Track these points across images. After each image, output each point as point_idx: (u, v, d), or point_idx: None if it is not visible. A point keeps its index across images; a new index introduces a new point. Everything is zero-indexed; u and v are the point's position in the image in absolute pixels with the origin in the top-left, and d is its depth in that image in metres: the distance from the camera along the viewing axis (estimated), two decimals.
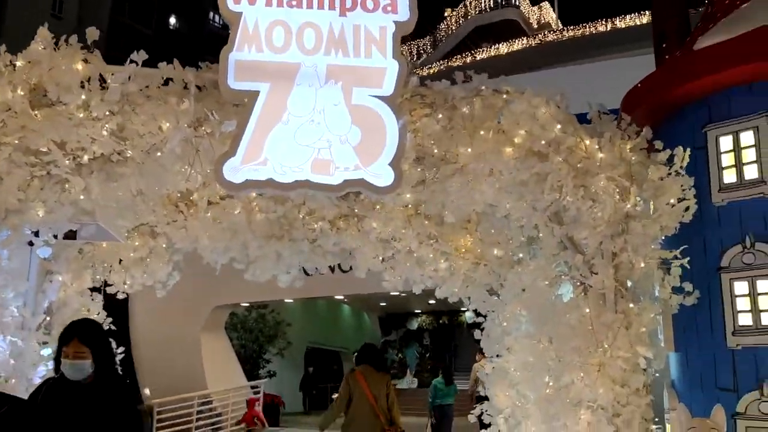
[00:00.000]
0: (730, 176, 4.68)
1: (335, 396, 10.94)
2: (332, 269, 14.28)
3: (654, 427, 4.54)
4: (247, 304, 18.11)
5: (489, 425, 5.95)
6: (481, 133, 4.51)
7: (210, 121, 4.15)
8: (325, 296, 19.84)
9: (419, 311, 26.51)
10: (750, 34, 4.49)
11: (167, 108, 3.99)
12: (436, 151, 4.57)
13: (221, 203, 5.57)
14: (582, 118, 4.78)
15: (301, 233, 5.96)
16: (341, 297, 21.47)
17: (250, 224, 5.54)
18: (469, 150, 4.52)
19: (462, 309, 23.76)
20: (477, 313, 6.23)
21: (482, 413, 6.05)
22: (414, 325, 27.10)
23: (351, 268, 6.66)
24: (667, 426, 4.72)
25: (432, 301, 23.36)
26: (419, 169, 4.72)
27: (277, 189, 4.06)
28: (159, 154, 4.20)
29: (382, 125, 4.11)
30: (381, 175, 4.15)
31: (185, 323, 14.45)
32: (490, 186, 5.01)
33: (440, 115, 4.46)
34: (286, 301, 19.12)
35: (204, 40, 36.53)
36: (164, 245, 5.90)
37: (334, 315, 25.07)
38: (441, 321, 25.85)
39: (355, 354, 8.25)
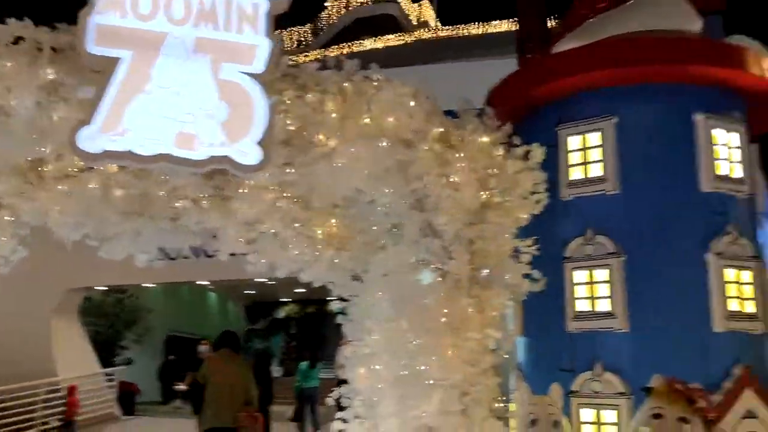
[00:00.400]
0: (577, 173, 5.05)
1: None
2: (196, 254, 13.93)
3: (500, 405, 4.83)
4: (104, 288, 17.25)
5: (346, 408, 6.06)
6: (351, 118, 4.58)
7: (66, 86, 3.92)
8: (189, 282, 19.27)
9: (287, 300, 26.36)
10: (599, 43, 4.87)
11: (17, 69, 3.73)
12: (305, 133, 4.58)
13: (76, 176, 5.27)
14: (450, 115, 4.97)
15: (162, 211, 5.77)
16: (206, 283, 20.94)
17: (106, 199, 5.28)
18: (338, 134, 4.58)
19: (329, 298, 23.94)
20: (342, 300, 6.33)
21: (341, 396, 6.14)
22: (281, 314, 26.91)
23: (216, 252, 6.54)
24: (512, 405, 5.02)
25: (300, 290, 23.30)
26: (287, 151, 4.71)
27: (136, 161, 3.92)
28: (7, 118, 3.92)
29: (251, 103, 4.07)
30: (247, 154, 4.11)
31: (34, 305, 13.52)
32: (357, 172, 5.09)
33: (310, 98, 4.47)
34: (147, 286, 18.38)
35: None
36: (10, 218, 5.49)
37: (198, 302, 24.40)
38: (308, 310, 25.85)
39: (215, 341, 8.36)
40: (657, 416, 3.41)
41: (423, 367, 4.66)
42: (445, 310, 4.73)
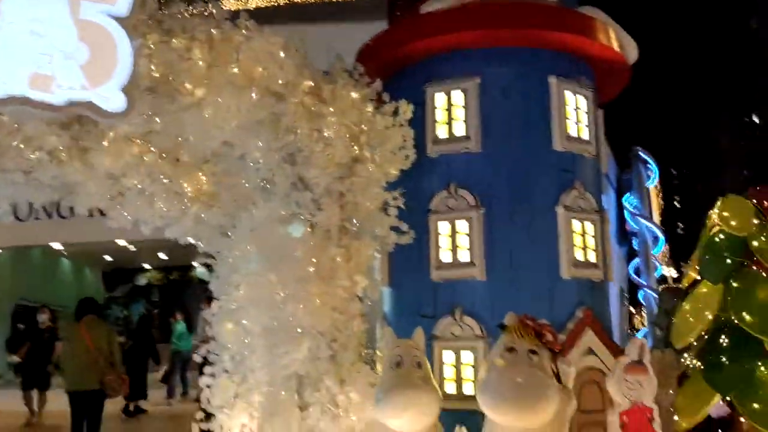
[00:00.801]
0: (442, 131, 5.27)
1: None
2: (49, 214, 13.11)
3: (367, 351, 5.03)
4: None
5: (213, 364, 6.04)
6: (218, 67, 4.51)
7: None
8: (41, 245, 18.08)
9: (148, 266, 25.41)
10: (464, 6, 5.09)
11: None
12: (171, 80, 4.46)
13: None
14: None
15: (14, 163, 5.40)
16: (60, 248, 19.74)
17: None
18: (206, 83, 4.50)
19: (193, 264, 23.39)
20: (209, 257, 6.25)
21: (208, 353, 6.11)
22: (142, 281, 25.95)
23: (72, 211, 6.25)
24: (378, 352, 5.22)
25: (163, 256, 22.53)
26: (152, 99, 4.56)
27: None
28: None
29: (113, 45, 3.90)
30: (110, 99, 3.95)
31: None
32: (226, 124, 5.03)
33: (177, 44, 4.35)
34: None
35: None
36: None
37: (50, 269, 22.92)
38: (171, 277, 25.11)
39: (75, 309, 8.36)
40: (510, 350, 3.70)
41: (292, 317, 4.75)
42: (314, 260, 4.83)
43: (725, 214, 5.12)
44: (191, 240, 6.38)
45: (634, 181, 14.74)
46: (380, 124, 4.99)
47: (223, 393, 5.88)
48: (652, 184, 15.82)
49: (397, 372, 4.34)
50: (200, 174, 6.17)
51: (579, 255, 5.16)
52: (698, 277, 5.32)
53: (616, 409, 3.93)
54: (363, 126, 4.98)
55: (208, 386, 6.00)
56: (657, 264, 15.22)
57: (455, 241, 5.11)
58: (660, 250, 15.14)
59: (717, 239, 5.11)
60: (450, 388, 4.90)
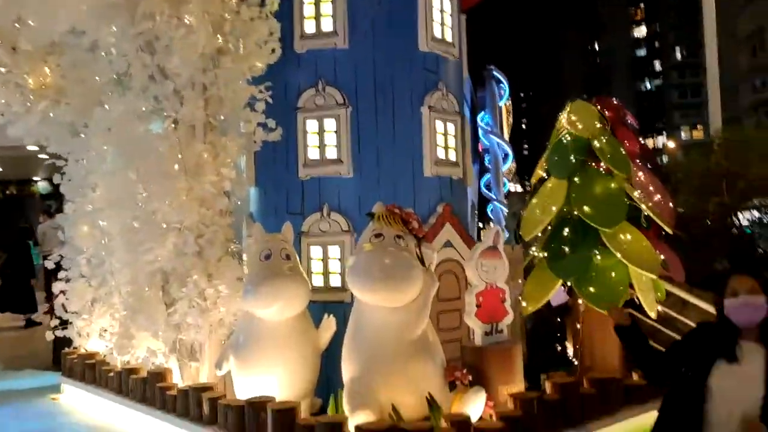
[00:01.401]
0: (310, 26, 5.19)
1: None
2: None
3: (234, 247, 5.03)
4: None
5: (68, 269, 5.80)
6: None
7: None
8: None
9: None
10: None
11: None
12: None
13: None
14: None
15: None
16: None
17: None
18: None
19: (34, 178, 21.67)
20: (59, 158, 5.87)
21: (61, 258, 5.83)
22: None
23: None
24: (245, 255, 5.22)
25: None
26: None
27: None
28: None
29: None
30: None
31: None
32: (74, 6, 4.65)
33: None
34: None
35: None
36: None
37: None
38: (8, 192, 23.15)
39: None
40: (378, 235, 3.85)
41: (155, 214, 4.62)
42: (179, 156, 4.69)
43: (572, 117, 5.52)
44: (35, 146, 5.96)
45: (487, 99, 15.40)
46: (245, 14, 4.82)
47: (79, 298, 5.69)
48: (504, 102, 16.64)
49: (267, 264, 4.38)
50: (45, 66, 5.71)
51: (441, 154, 5.38)
52: (545, 176, 5.76)
53: (472, 290, 4.23)
54: (227, 15, 4.79)
55: (63, 292, 5.76)
56: (505, 180, 16.26)
57: (323, 139, 5.12)
58: (508, 166, 16.15)
59: (564, 140, 5.51)
60: (318, 281, 5.03)
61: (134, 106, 4.97)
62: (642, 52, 67.97)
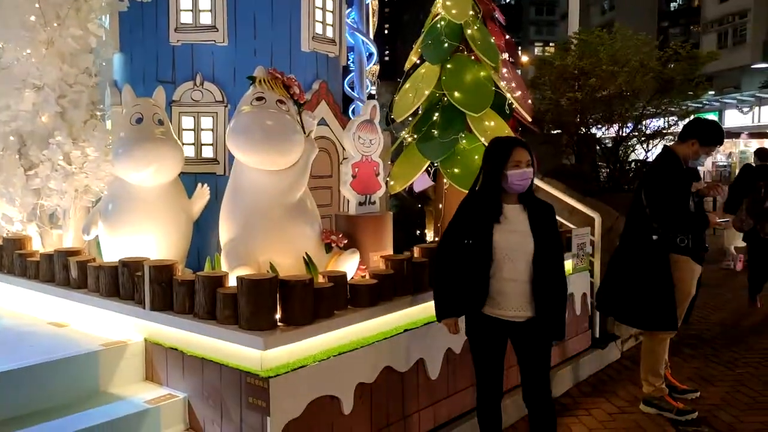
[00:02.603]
0: None
1: None
2: None
3: (100, 113, 4.76)
4: None
5: None
6: None
7: None
8: None
9: None
10: None
11: None
12: None
13: None
14: None
15: None
16: None
17: None
18: None
19: None
20: None
21: None
22: None
23: None
24: (108, 122, 4.97)
25: None
26: None
27: None
28: None
29: None
30: None
31: None
32: None
33: None
34: None
35: None
36: None
37: None
38: None
39: None
40: (259, 98, 3.82)
41: (13, 67, 4.26)
42: (37, 6, 4.30)
43: (447, 3, 5.65)
44: None
45: None
46: None
47: None
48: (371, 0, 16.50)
49: (138, 127, 4.22)
50: None
51: (319, 29, 5.33)
52: (418, 61, 5.91)
53: (349, 162, 4.35)
54: None
55: None
56: (368, 81, 16.35)
57: (196, 1, 4.89)
58: (371, 66, 16.22)
59: (438, 25, 5.66)
60: (189, 152, 4.91)
61: None
62: None
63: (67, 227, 4.54)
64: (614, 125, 8.93)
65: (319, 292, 3.34)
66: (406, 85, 5.78)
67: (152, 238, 4.25)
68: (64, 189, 4.36)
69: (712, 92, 28.41)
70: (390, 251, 4.41)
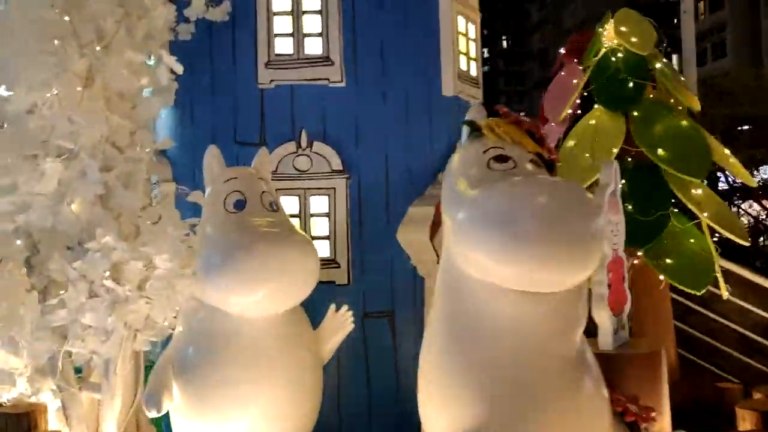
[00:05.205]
0: None
1: None
2: None
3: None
4: None
5: None
6: None
7: None
8: None
9: None
10: None
11: None
12: None
13: None
14: None
15: None
16: None
17: None
18: None
19: None
20: None
21: None
22: None
23: None
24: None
25: None
26: None
27: None
28: None
29: None
30: None
31: None
32: None
33: None
34: None
35: None
36: None
37: None
38: None
39: None
40: (501, 159, 2.13)
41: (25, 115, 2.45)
42: (66, 18, 2.54)
43: (623, 29, 4.07)
44: None
45: None
46: None
47: None
48: None
49: (240, 217, 2.46)
50: None
51: (462, 64, 3.68)
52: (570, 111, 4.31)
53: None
54: None
55: None
56: None
57: (299, 21, 3.23)
58: None
59: (613, 59, 4.07)
60: None
61: None
62: None
63: (111, 388, 2.61)
64: None
65: None
66: (570, 143, 4.10)
67: (263, 407, 2.44)
68: (110, 326, 2.47)
69: None
70: (667, 404, 2.63)
